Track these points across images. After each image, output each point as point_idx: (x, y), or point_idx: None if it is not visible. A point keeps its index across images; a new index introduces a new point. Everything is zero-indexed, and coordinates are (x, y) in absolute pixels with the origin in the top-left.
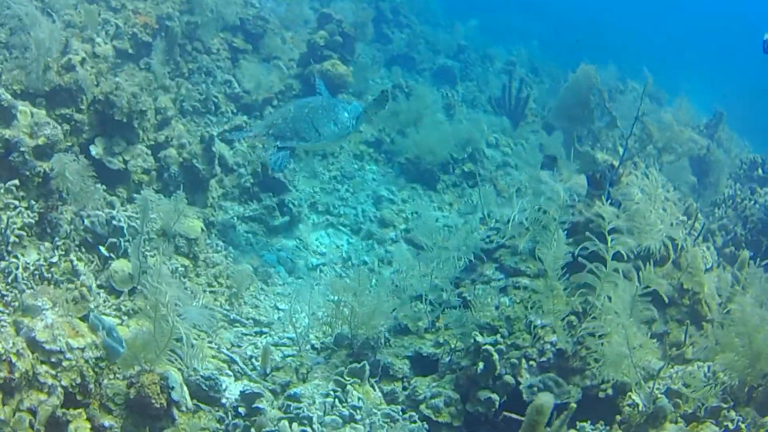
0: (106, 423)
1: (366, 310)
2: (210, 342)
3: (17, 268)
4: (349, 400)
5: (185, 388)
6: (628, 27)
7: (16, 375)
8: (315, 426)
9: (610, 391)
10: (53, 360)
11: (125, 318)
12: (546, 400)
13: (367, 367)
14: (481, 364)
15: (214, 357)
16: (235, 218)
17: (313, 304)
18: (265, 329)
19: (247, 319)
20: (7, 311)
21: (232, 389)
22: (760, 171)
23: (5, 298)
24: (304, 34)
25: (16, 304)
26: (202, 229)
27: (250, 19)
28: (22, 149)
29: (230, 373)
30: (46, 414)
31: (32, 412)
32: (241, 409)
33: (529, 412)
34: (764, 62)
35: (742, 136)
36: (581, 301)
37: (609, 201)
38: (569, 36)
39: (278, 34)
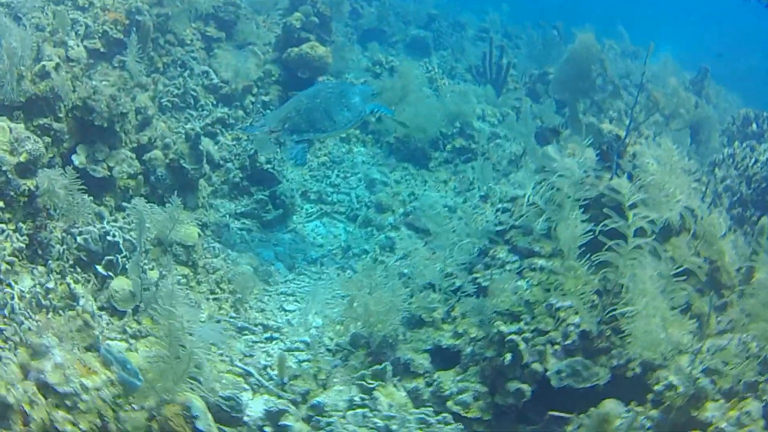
0: None
1: (381, 308)
2: (221, 354)
3: (13, 298)
4: (379, 408)
5: (209, 414)
6: None
7: (33, 427)
8: None
9: (638, 370)
10: (68, 403)
11: (133, 341)
12: (612, 407)
13: (390, 368)
14: (508, 356)
15: (228, 371)
16: (227, 216)
17: (322, 302)
18: (276, 334)
19: (256, 325)
20: (7, 346)
21: (252, 405)
22: (754, 126)
23: (4, 332)
24: (277, 17)
25: (17, 338)
26: (199, 235)
27: (221, 6)
28: (3, 168)
29: (247, 387)
30: None
31: None
32: (267, 429)
33: (594, 422)
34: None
35: (730, 90)
36: (601, 278)
37: (618, 173)
38: None
39: (251, 19)
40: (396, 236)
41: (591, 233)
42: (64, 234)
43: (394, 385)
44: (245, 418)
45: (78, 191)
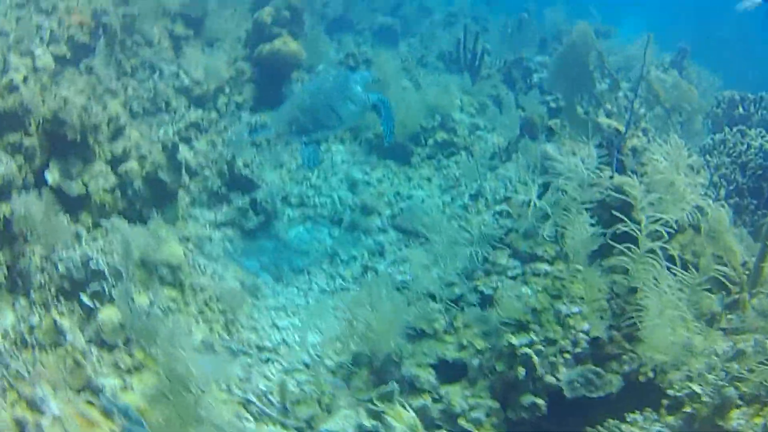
0: None
1: (384, 326)
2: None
3: None
4: None
5: None
6: None
7: None
8: None
9: (650, 374)
10: None
11: (127, 377)
12: None
13: (397, 388)
14: (521, 370)
15: (228, 400)
16: (208, 226)
17: (316, 317)
18: (272, 355)
19: (250, 346)
20: None
21: None
22: (740, 109)
23: None
24: (245, 12)
25: (5, 383)
26: (185, 253)
27: (188, 3)
28: None
29: (249, 417)
30: None
31: None
32: None
33: None
34: None
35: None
36: (610, 282)
37: (618, 170)
38: None
39: (218, 15)
40: (385, 240)
41: (602, 237)
42: (43, 261)
43: (402, 405)
44: None
45: (56, 215)
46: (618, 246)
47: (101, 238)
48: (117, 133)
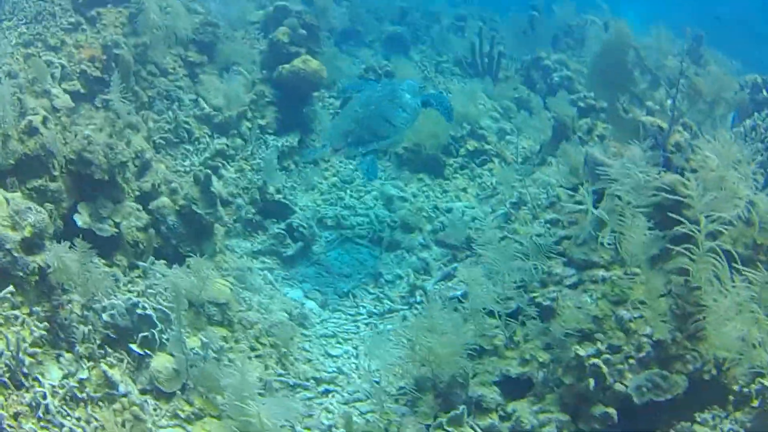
0: None
1: (445, 347)
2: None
3: (45, 397)
4: None
5: None
6: None
7: None
8: None
9: (714, 371)
10: None
11: (188, 427)
12: None
13: (466, 411)
14: (591, 381)
15: None
16: (245, 256)
17: (370, 343)
18: (330, 386)
19: (308, 379)
20: None
21: None
22: (765, 92)
23: None
24: (255, 32)
25: None
26: (231, 289)
27: (198, 28)
28: (7, 247)
29: None
30: None
31: None
32: None
33: None
34: None
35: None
36: (668, 283)
37: (668, 169)
38: None
39: (231, 39)
40: (429, 257)
41: (662, 239)
42: (85, 311)
43: (471, 427)
44: None
45: (91, 259)
46: (676, 248)
47: (141, 281)
48: (143, 168)
